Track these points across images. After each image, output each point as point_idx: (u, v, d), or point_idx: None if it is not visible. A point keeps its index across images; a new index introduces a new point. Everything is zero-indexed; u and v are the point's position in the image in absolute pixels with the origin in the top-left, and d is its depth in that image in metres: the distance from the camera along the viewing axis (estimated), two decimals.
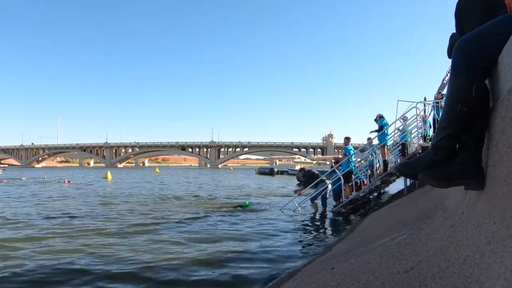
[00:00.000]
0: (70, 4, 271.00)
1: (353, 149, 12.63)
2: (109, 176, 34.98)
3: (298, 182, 12.32)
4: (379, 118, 12.25)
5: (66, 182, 27.34)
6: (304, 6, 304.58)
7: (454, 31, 4.01)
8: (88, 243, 6.84)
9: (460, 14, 2.57)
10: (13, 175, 45.59)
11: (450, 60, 4.25)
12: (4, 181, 28.97)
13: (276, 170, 57.13)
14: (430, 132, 11.53)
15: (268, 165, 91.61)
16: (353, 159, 12.79)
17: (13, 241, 7.10)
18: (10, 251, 6.24)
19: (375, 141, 12.70)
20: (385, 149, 12.03)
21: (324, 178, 11.38)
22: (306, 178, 11.71)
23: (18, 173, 55.09)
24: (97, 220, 9.68)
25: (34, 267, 5.25)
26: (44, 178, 34.92)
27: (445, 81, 11.14)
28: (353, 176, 12.09)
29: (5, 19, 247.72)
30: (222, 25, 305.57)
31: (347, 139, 12.60)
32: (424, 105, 11.69)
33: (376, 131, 12.51)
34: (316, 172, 11.77)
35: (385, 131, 11.77)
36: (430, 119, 11.59)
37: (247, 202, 12.54)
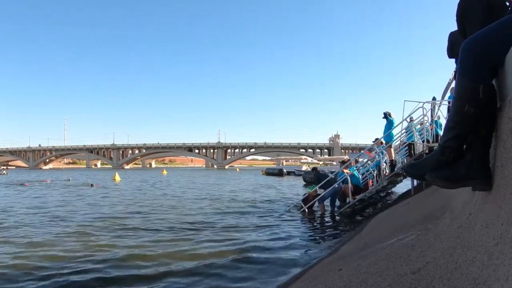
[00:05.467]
0: (75, 6, 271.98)
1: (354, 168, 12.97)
2: (117, 177, 35.13)
3: (305, 183, 12.45)
4: (387, 116, 12.31)
5: (97, 185, 26.65)
6: (308, 7, 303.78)
7: (452, 30, 4.01)
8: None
9: (461, 15, 2.56)
10: (31, 177, 45.60)
11: (452, 60, 4.24)
12: (26, 184, 28.49)
13: (285, 170, 56.45)
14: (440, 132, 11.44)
15: (275, 165, 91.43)
16: (360, 160, 12.88)
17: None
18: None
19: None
20: (392, 149, 12.02)
21: (332, 176, 11.47)
22: (316, 178, 11.84)
23: (26, 174, 55.22)
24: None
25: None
26: (69, 180, 34.76)
27: (450, 79, 11.06)
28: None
29: (10, 21, 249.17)
30: (228, 26, 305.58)
31: (343, 162, 13.72)
32: (432, 105, 11.59)
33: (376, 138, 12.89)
34: (325, 171, 11.86)
35: (391, 133, 11.78)
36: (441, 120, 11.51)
37: (314, 186, 12.41)
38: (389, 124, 12.06)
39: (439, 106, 11.60)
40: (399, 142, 12.98)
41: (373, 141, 13.69)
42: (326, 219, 10.27)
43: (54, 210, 12.34)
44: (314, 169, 12.92)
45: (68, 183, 30.36)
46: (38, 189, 23.36)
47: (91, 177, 43.95)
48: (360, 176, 12.84)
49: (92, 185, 26.05)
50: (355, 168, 13.09)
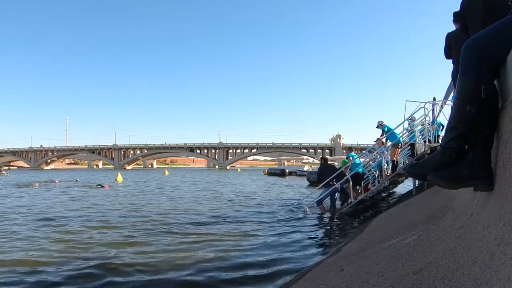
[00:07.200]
0: (76, 6, 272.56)
1: (356, 155, 12.86)
2: (120, 178, 35.11)
3: (309, 183, 12.42)
4: (381, 125, 12.54)
5: (107, 186, 25.90)
6: (309, 7, 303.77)
7: (449, 31, 4.01)
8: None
9: (464, 15, 2.57)
10: (33, 177, 45.54)
11: (450, 61, 4.24)
12: (34, 185, 27.83)
13: (287, 171, 55.92)
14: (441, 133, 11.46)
15: (277, 166, 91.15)
16: (361, 160, 12.86)
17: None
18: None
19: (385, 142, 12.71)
20: (397, 149, 12.04)
21: (341, 168, 11.47)
22: (318, 173, 11.84)
23: (28, 175, 55.14)
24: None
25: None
26: (77, 181, 34.52)
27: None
28: (362, 180, 12.09)
29: (11, 20, 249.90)
30: (229, 26, 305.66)
31: (350, 149, 13.05)
32: (433, 105, 11.57)
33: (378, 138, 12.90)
34: (328, 166, 11.83)
35: (394, 132, 11.79)
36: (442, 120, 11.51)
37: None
38: (388, 128, 12.26)
39: (442, 106, 11.59)
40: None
41: (374, 141, 13.70)
42: (327, 220, 10.26)
43: (81, 211, 12.27)
44: (323, 158, 12.79)
45: (76, 184, 30.15)
46: (51, 190, 23.16)
47: (94, 177, 43.88)
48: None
49: (101, 186, 25.88)
50: (357, 156, 13.02)
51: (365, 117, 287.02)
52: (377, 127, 12.97)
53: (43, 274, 5.12)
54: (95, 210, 12.26)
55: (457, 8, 2.82)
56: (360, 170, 11.91)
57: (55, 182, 32.52)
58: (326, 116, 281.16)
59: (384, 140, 12.60)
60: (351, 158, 12.42)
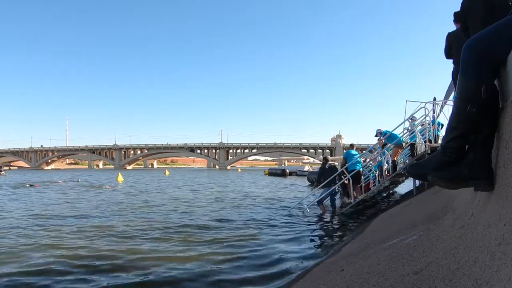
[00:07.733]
0: (77, 6, 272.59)
1: (357, 153, 12.74)
2: (120, 178, 35.11)
3: (310, 183, 12.38)
4: (380, 133, 12.55)
5: (108, 186, 25.83)
6: (310, 8, 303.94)
7: (450, 31, 4.02)
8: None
9: (464, 15, 2.57)
10: (42, 178, 45.50)
11: (450, 61, 4.25)
12: (37, 185, 27.66)
13: (288, 171, 55.72)
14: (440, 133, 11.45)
15: (277, 166, 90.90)
16: (361, 160, 12.82)
17: None
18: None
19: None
20: (399, 149, 12.01)
21: (342, 169, 11.43)
22: (319, 173, 11.82)
23: (28, 175, 55.05)
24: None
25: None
26: (79, 181, 34.40)
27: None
28: (362, 177, 12.06)
29: (12, 20, 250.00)
30: (229, 27, 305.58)
31: (351, 146, 13.24)
32: (434, 105, 11.55)
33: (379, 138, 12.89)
34: (327, 167, 11.79)
35: (393, 133, 11.77)
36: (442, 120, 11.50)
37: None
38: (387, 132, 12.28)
39: (442, 106, 11.57)
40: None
41: (378, 139, 13.69)
42: (328, 220, 10.26)
43: (81, 211, 12.27)
44: (324, 158, 12.77)
45: (79, 184, 30.12)
46: (54, 190, 23.05)
47: (95, 177, 43.86)
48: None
49: (104, 186, 25.82)
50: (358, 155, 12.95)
51: (365, 117, 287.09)
52: (376, 135, 13.00)
53: (38, 275, 5.12)
54: (96, 211, 12.27)
55: (458, 8, 2.82)
56: (360, 169, 11.90)
57: (58, 182, 32.48)
58: (326, 116, 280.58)
59: (383, 140, 12.57)
60: (345, 159, 12.22)
